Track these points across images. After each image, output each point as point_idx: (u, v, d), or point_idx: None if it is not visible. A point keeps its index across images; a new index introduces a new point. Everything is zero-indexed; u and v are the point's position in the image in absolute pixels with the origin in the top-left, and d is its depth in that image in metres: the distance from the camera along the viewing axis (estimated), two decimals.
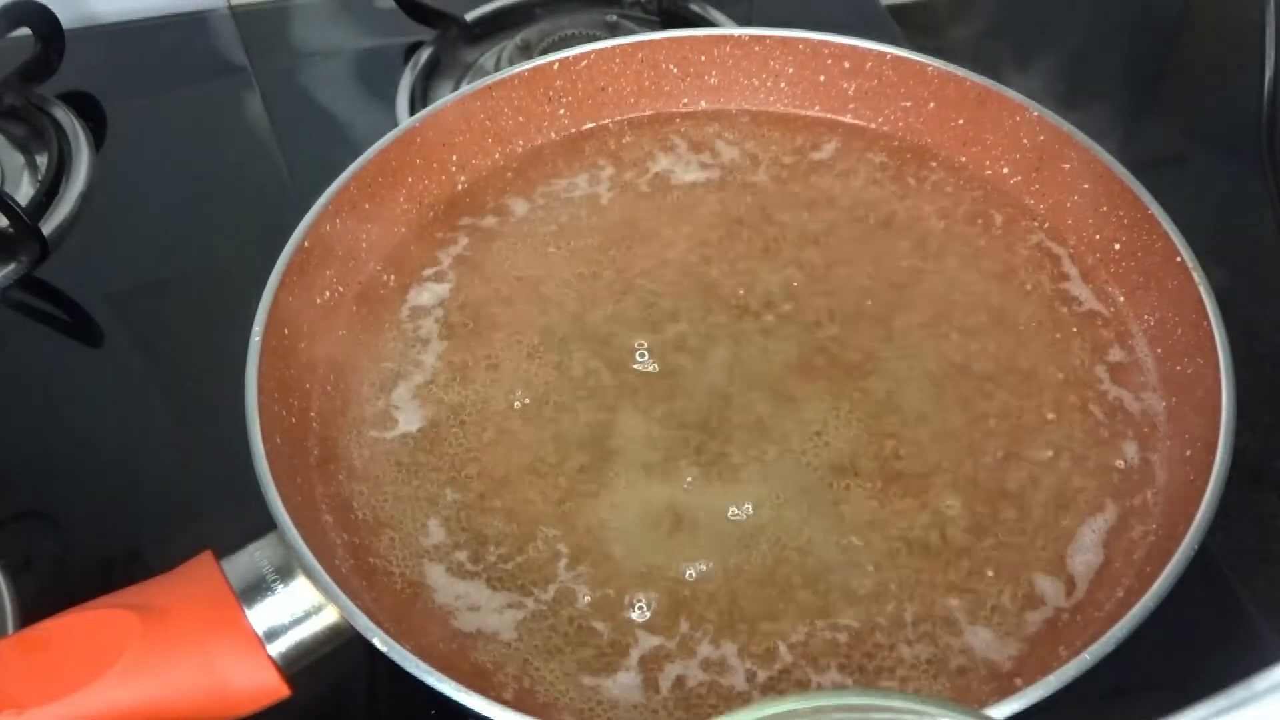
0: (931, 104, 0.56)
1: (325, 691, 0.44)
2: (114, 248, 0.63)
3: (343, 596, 0.37)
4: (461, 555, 0.43)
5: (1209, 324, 0.44)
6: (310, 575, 0.38)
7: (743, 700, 0.39)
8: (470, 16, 0.73)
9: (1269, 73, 0.52)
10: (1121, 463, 0.45)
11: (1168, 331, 0.47)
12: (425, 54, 0.71)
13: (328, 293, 0.50)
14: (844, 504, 0.44)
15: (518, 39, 0.70)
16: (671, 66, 0.58)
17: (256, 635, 0.37)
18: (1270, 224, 0.53)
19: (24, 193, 0.64)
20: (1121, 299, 0.50)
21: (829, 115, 0.59)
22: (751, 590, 0.42)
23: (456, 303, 0.51)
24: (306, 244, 0.48)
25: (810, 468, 0.45)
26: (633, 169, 0.57)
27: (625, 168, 0.57)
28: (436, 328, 0.50)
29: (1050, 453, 0.45)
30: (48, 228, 0.61)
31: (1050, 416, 0.46)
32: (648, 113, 0.59)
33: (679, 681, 0.40)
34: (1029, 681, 0.35)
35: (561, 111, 0.58)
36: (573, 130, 0.58)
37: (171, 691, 0.36)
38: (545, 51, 0.64)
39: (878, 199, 0.55)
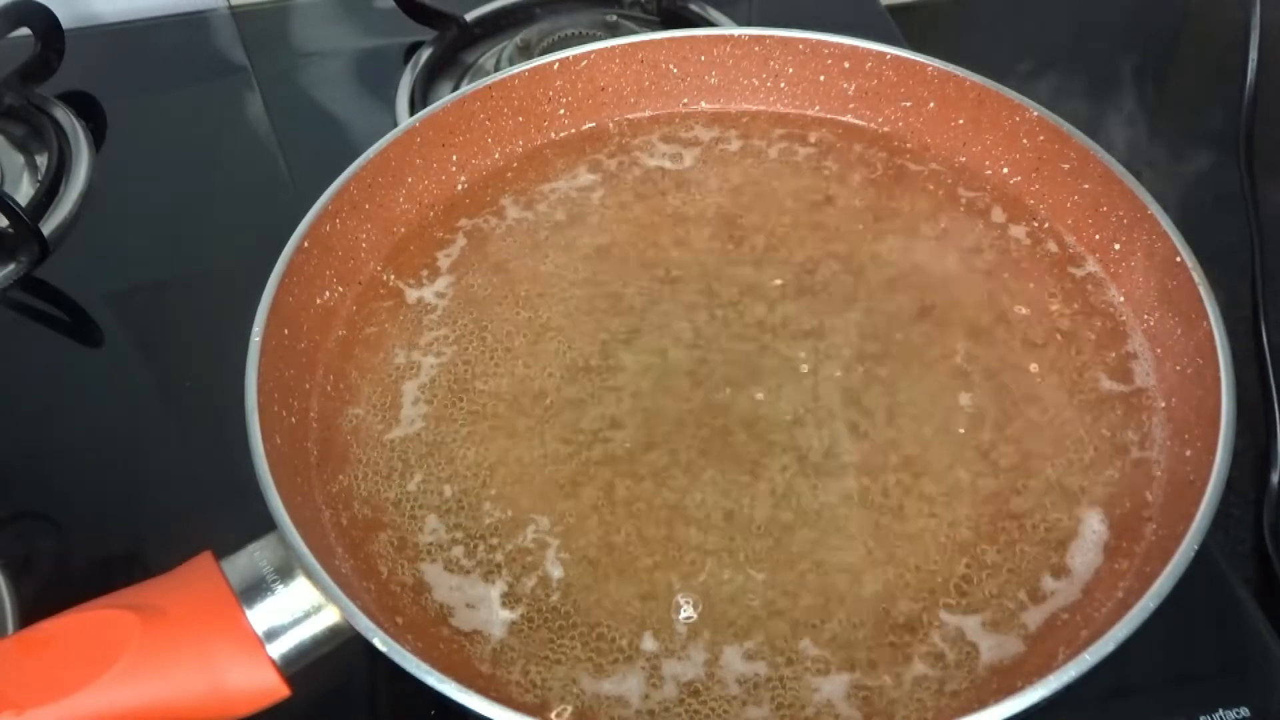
0: (931, 104, 0.56)
1: (325, 691, 0.44)
2: (114, 248, 0.63)
3: (343, 597, 0.37)
4: (458, 551, 0.43)
5: (1209, 324, 0.44)
6: (310, 575, 0.38)
7: (742, 702, 0.39)
8: (470, 16, 0.73)
9: (1250, 78, 0.53)
10: (1121, 463, 0.45)
11: (1168, 331, 0.47)
12: (425, 54, 0.71)
13: (328, 293, 0.50)
14: (844, 505, 0.44)
15: (518, 39, 0.70)
16: (671, 66, 0.58)
17: (256, 635, 0.37)
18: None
19: (24, 193, 0.64)
20: (1121, 299, 0.50)
21: (829, 115, 0.59)
22: (752, 591, 0.42)
23: (456, 303, 0.51)
24: (306, 244, 0.48)
25: (813, 469, 0.45)
26: (632, 169, 0.57)
27: (625, 168, 0.57)
28: (436, 327, 0.50)
29: (1049, 452, 0.45)
30: (48, 228, 0.61)
31: (1049, 416, 0.46)
32: (647, 113, 0.59)
33: (679, 681, 0.40)
34: (1029, 682, 0.35)
35: (561, 111, 0.58)
36: (573, 130, 0.58)
37: (171, 692, 0.36)
38: (545, 51, 0.64)
39: (877, 199, 0.55)
